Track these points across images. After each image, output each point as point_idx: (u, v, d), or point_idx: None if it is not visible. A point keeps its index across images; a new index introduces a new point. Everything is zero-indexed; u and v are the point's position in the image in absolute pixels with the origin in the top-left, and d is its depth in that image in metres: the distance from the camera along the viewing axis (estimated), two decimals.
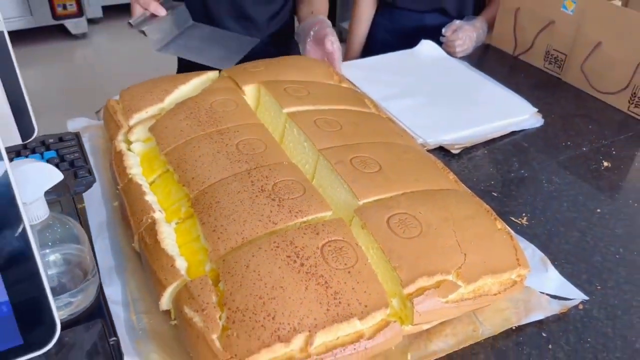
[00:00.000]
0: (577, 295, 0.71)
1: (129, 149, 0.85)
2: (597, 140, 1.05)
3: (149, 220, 0.70)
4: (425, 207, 0.69)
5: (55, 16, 3.49)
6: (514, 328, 0.67)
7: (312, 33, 1.20)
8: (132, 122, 0.88)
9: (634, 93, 1.11)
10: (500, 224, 0.72)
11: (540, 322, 0.68)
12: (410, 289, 0.60)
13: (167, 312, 0.64)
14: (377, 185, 0.71)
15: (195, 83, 0.96)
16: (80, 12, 3.56)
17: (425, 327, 0.64)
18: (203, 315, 0.57)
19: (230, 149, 0.77)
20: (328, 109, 0.88)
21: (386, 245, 0.63)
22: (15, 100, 0.48)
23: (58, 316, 0.44)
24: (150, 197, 0.74)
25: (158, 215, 0.71)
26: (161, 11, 1.13)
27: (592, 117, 1.13)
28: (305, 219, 0.66)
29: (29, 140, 0.52)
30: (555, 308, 0.69)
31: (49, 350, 0.44)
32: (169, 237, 0.68)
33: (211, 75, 0.99)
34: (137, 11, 1.15)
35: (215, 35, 1.22)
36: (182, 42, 1.16)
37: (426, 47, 1.33)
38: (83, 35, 3.65)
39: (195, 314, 0.58)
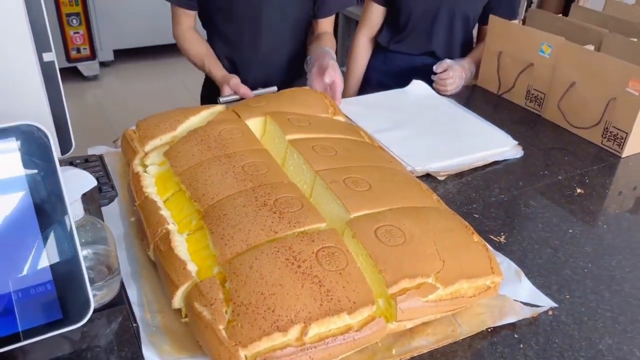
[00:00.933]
0: (547, 303, 0.79)
1: (145, 172, 0.94)
2: (572, 170, 1.14)
3: (164, 231, 0.78)
4: (409, 220, 0.77)
5: (69, 59, 3.67)
6: (489, 330, 0.75)
7: (316, 64, 1.32)
8: (147, 148, 0.98)
9: (606, 128, 1.21)
10: (477, 238, 0.80)
11: (513, 325, 0.76)
12: (394, 289, 0.69)
13: (178, 311, 0.72)
14: (366, 201, 0.80)
15: (204, 115, 1.06)
16: (93, 56, 3.73)
17: (409, 325, 0.72)
18: (211, 309, 0.65)
19: (237, 170, 0.86)
20: (326, 137, 0.98)
21: (373, 251, 0.72)
22: (58, 117, 0.58)
23: (92, 296, 0.52)
24: (164, 212, 0.83)
25: (172, 227, 0.80)
26: (249, 94, 1.27)
27: (569, 150, 1.23)
28: (302, 229, 0.75)
29: (67, 154, 0.62)
30: (527, 313, 0.77)
31: (83, 326, 0.52)
32: (181, 245, 0.76)
33: (219, 107, 1.09)
34: (226, 91, 1.33)
35: None
36: None
37: (417, 86, 1.44)
38: (95, 77, 3.81)
39: (204, 308, 0.66)
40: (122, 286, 0.73)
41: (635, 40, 1.29)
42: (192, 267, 0.72)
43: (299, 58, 1.54)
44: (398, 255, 0.72)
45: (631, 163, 1.19)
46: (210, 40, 1.51)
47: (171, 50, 3.71)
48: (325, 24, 1.52)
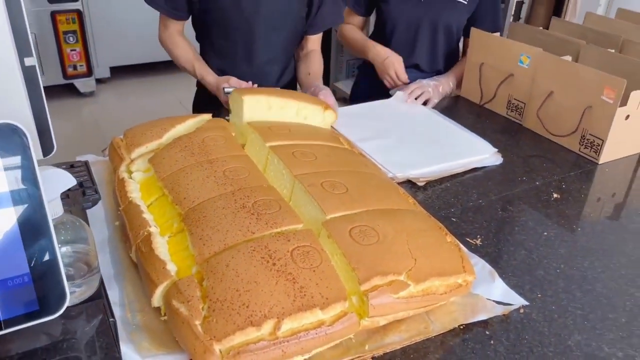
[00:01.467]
0: (519, 301, 0.81)
1: (131, 178, 0.96)
2: (550, 176, 1.17)
3: (145, 233, 0.81)
4: (383, 221, 0.80)
5: (65, 76, 3.71)
6: (461, 327, 0.77)
7: (310, 90, 1.37)
8: (133, 155, 1.00)
9: (583, 136, 1.24)
10: (450, 238, 0.83)
11: (485, 323, 0.78)
12: (366, 286, 0.71)
13: (158, 309, 0.74)
14: (342, 203, 0.83)
15: (190, 123, 1.09)
16: (89, 72, 3.78)
17: (382, 322, 0.74)
18: (188, 306, 0.67)
19: (218, 174, 0.89)
20: (306, 143, 1.00)
21: (347, 250, 0.74)
22: (39, 119, 0.61)
23: (68, 287, 0.54)
24: (147, 216, 0.85)
25: (153, 229, 0.82)
26: (251, 85, 1.35)
27: (547, 157, 1.25)
28: (279, 229, 0.77)
29: (49, 155, 0.64)
30: (498, 311, 0.79)
31: (61, 317, 0.54)
32: (162, 246, 0.79)
33: (206, 117, 1.12)
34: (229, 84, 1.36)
35: None
36: None
37: (399, 97, 1.48)
38: (91, 94, 3.86)
39: (181, 304, 0.68)
40: (102, 283, 0.75)
41: (612, 51, 1.33)
42: (171, 267, 0.75)
43: (290, 71, 1.57)
44: (371, 254, 0.74)
45: (607, 169, 1.22)
46: (203, 53, 1.54)
47: (167, 67, 3.77)
48: (314, 42, 1.56)
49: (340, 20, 1.58)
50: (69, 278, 0.62)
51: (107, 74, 3.97)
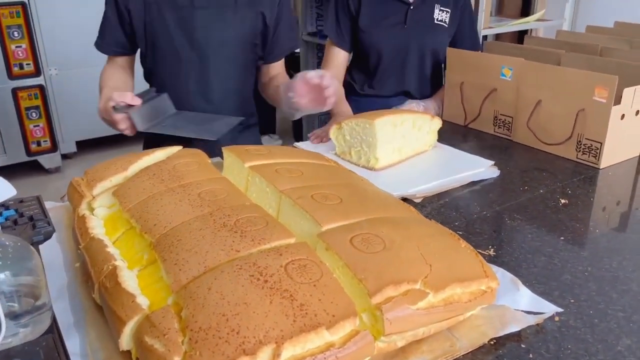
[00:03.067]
0: (551, 309, 0.70)
1: (93, 214, 0.85)
2: (552, 184, 1.09)
3: (110, 267, 0.68)
4: (387, 228, 0.69)
5: (29, 152, 3.58)
6: (492, 342, 0.65)
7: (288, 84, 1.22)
8: (96, 191, 0.89)
9: (579, 141, 1.17)
10: (464, 244, 0.72)
11: (518, 335, 0.66)
12: (378, 298, 0.59)
13: (129, 355, 0.61)
14: (338, 213, 0.72)
15: (158, 155, 0.98)
16: (54, 148, 3.66)
17: (400, 343, 0.62)
18: (164, 340, 0.55)
19: (192, 197, 0.78)
20: (289, 161, 0.91)
21: (350, 260, 0.63)
22: None
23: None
24: (112, 250, 0.73)
25: (120, 263, 0.69)
26: (136, 101, 1.17)
27: (545, 168, 1.18)
28: (268, 245, 0.66)
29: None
30: (530, 320, 0.67)
31: None
32: (131, 280, 0.66)
33: (176, 148, 1.02)
34: (115, 98, 1.17)
35: (199, 117, 1.28)
36: (166, 123, 1.21)
37: None
38: (57, 169, 3.72)
39: (156, 340, 0.55)
40: (56, 324, 0.61)
41: (595, 56, 1.29)
42: (142, 300, 0.62)
43: (251, 105, 1.48)
44: (379, 262, 0.63)
45: (610, 173, 1.14)
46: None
47: (137, 138, 3.67)
48: (278, 66, 1.48)
49: (297, 45, 1.51)
50: (11, 317, 0.49)
51: (73, 148, 3.85)
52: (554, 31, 1.71)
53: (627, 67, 1.20)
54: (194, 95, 1.37)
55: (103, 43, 1.37)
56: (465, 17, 1.58)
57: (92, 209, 0.86)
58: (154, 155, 0.98)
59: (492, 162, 1.16)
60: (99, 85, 1.36)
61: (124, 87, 1.35)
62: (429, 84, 1.62)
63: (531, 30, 2.84)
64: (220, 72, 1.36)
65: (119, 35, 1.35)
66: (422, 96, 1.59)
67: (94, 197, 0.88)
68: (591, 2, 2.66)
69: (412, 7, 1.51)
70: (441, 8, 1.54)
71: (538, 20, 2.70)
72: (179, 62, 1.34)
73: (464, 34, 1.59)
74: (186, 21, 1.30)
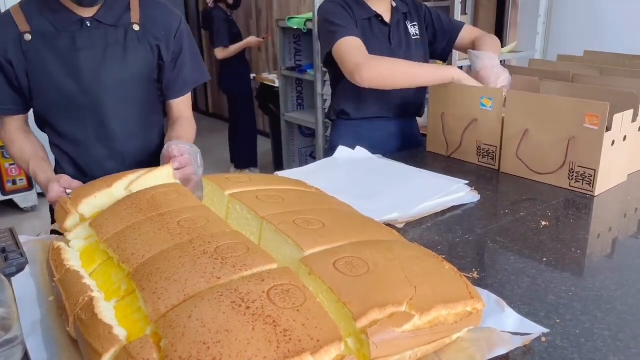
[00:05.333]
0: (537, 329, 0.69)
1: (68, 246, 0.82)
2: (533, 207, 1.09)
3: (86, 299, 0.66)
4: (370, 251, 0.69)
5: (4, 192, 3.51)
6: None
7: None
8: (81, 208, 0.87)
9: (572, 169, 1.17)
10: (448, 265, 0.72)
11: (505, 357, 0.65)
12: (363, 322, 0.58)
13: None
14: (321, 237, 0.71)
15: (144, 174, 0.96)
16: (30, 186, 3.60)
17: None
18: None
19: (172, 225, 0.76)
20: (270, 188, 0.90)
21: (334, 284, 0.62)
22: None
23: None
24: (88, 281, 0.71)
25: (96, 294, 0.67)
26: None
27: (532, 196, 1.18)
28: (250, 271, 0.64)
29: None
30: (517, 342, 0.67)
31: None
32: (107, 311, 0.64)
33: (166, 167, 0.99)
34: (55, 188, 1.07)
35: None
36: None
37: (345, 151, 1.41)
38: (32, 208, 3.65)
39: None
40: (27, 356, 0.59)
41: (574, 83, 1.32)
42: (120, 332, 0.60)
43: (158, 147, 1.30)
44: (363, 285, 0.62)
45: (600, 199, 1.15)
46: (53, 144, 1.31)
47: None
48: (181, 107, 1.35)
49: (206, 77, 1.38)
50: None
51: None
52: (527, 62, 1.75)
53: (608, 92, 1.22)
54: (94, 143, 1.26)
55: None
56: (433, 18, 1.65)
57: (67, 242, 0.84)
58: (138, 172, 0.96)
59: (472, 187, 1.16)
60: (16, 161, 1.27)
61: (43, 154, 1.26)
62: (416, 98, 1.63)
63: (504, 61, 2.91)
64: (119, 115, 1.25)
65: (7, 91, 1.22)
66: (405, 116, 1.62)
67: (80, 214, 0.86)
68: (561, 33, 2.74)
69: (391, 27, 1.56)
70: (411, 24, 1.61)
71: (510, 52, 2.77)
72: (73, 110, 1.23)
73: (443, 26, 1.65)
74: (71, 65, 1.19)
